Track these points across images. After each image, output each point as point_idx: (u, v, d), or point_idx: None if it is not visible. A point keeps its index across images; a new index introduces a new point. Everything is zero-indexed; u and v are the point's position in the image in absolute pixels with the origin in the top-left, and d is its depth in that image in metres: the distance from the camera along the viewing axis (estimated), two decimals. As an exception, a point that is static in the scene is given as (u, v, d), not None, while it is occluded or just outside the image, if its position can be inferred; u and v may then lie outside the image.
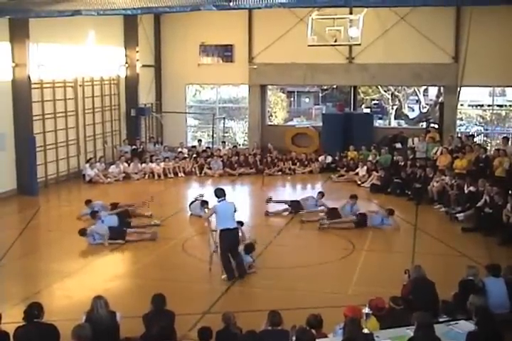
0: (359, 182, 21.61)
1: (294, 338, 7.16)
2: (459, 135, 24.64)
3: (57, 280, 12.14)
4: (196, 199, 17.45)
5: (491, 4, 19.84)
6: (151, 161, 23.36)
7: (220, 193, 12.43)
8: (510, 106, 32.35)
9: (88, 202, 16.74)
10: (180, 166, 23.53)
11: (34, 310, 8.08)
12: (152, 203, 18.55)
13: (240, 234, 13.20)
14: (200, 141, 27.54)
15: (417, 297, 9.27)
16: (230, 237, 12.21)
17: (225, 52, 26.97)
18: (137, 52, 25.60)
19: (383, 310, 8.44)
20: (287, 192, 21.67)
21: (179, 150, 25.14)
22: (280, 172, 23.73)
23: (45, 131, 20.85)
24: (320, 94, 43.60)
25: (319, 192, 18.24)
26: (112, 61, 24.61)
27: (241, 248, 12.50)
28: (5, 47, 18.95)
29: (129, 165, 23.05)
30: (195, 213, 16.93)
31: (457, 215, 16.58)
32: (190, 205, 17.50)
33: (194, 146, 26.18)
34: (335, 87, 38.11)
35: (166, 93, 28.07)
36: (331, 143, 25.21)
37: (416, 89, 36.07)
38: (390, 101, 37.69)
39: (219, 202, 12.35)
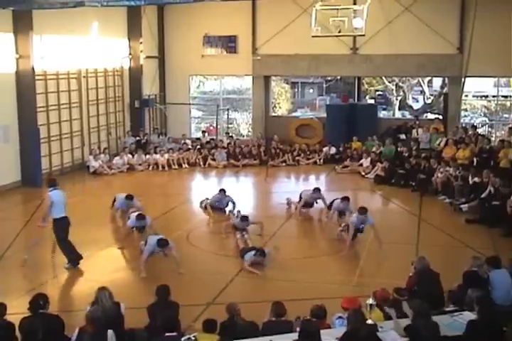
0: (363, 174, 21.59)
1: (297, 329, 7.18)
2: (464, 125, 24.60)
3: (62, 271, 12.18)
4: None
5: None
6: (155, 152, 23.39)
7: (52, 183, 12.70)
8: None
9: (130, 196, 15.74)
10: (184, 157, 23.54)
11: (39, 301, 8.12)
12: (157, 194, 18.63)
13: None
14: (204, 132, 27.53)
15: (422, 288, 9.28)
16: (67, 225, 12.52)
17: (229, 43, 26.93)
18: (141, 43, 25.55)
19: (388, 301, 8.47)
20: (291, 183, 21.70)
21: (183, 141, 25.14)
22: (284, 164, 23.72)
23: (49, 122, 20.88)
24: (324, 85, 43.47)
25: (345, 197, 15.38)
26: (116, 52, 24.57)
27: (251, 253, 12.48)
28: (8, 38, 18.93)
29: (133, 156, 23.08)
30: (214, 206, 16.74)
31: (461, 206, 16.58)
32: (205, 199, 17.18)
33: (198, 138, 26.18)
34: (339, 77, 37.98)
35: (170, 84, 28.04)
36: (335, 134, 25.19)
37: (420, 80, 35.93)
38: (394, 92, 37.58)
39: (51, 191, 12.47)
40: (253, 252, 12.36)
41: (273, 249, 12.89)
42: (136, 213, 14.01)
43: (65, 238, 12.43)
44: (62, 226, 12.42)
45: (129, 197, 15.47)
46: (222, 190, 16.61)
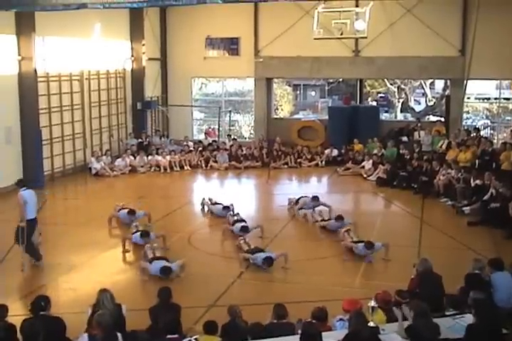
0: (365, 176, 21.57)
1: (299, 331, 7.17)
2: (466, 128, 24.59)
3: (63, 273, 12.18)
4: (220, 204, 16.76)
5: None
6: (157, 154, 23.38)
7: (23, 183, 12.80)
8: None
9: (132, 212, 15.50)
10: (186, 159, 23.53)
11: (41, 303, 8.11)
12: (159, 196, 18.65)
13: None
14: (206, 134, 27.53)
15: (424, 290, 9.26)
16: (34, 227, 12.59)
17: (231, 46, 26.94)
18: (143, 45, 25.58)
19: (390, 304, 8.46)
20: (293, 185, 21.69)
21: (185, 143, 25.16)
22: (286, 166, 23.71)
23: (51, 124, 20.88)
24: (326, 87, 43.50)
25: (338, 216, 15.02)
26: (118, 54, 24.60)
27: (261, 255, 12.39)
28: (11, 40, 18.96)
29: (135, 158, 23.08)
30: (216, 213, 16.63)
31: (463, 209, 16.56)
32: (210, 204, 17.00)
33: (200, 141, 26.17)
34: (341, 80, 37.99)
35: (172, 86, 28.05)
36: (337, 136, 25.17)
37: (422, 82, 35.94)
38: (396, 94, 37.56)
39: (23, 190, 12.50)
40: (263, 256, 12.28)
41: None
42: (140, 231, 13.74)
43: (30, 239, 12.46)
44: (30, 227, 12.43)
45: (131, 212, 15.31)
46: (227, 207, 16.27)
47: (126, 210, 15.45)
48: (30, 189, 12.80)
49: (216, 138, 26.87)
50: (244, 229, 14.20)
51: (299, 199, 16.70)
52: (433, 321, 7.31)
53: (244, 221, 14.84)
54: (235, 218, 15.22)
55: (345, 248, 13.28)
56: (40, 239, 12.75)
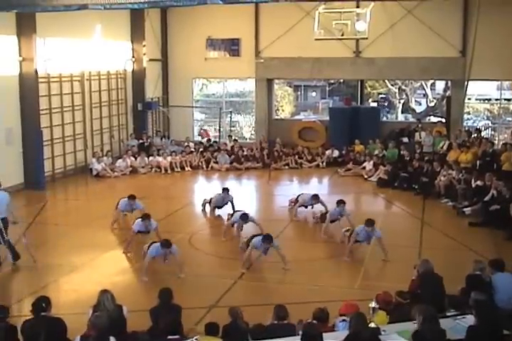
0: (366, 177, 21.59)
1: (300, 332, 7.16)
2: (466, 128, 24.58)
3: (64, 274, 12.17)
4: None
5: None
6: (158, 155, 23.39)
7: None
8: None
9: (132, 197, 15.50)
10: (187, 160, 23.54)
11: (42, 304, 8.09)
12: (159, 197, 18.66)
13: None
14: (200, 135, 27.53)
15: (425, 291, 9.26)
16: (5, 227, 12.53)
17: (232, 46, 26.93)
18: (144, 46, 25.59)
19: (391, 304, 8.45)
20: (294, 186, 21.69)
21: (186, 144, 25.17)
22: (287, 167, 23.72)
23: (52, 125, 20.89)
24: (327, 88, 43.50)
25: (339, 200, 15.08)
26: (119, 55, 24.60)
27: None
28: (12, 41, 18.96)
29: (135, 159, 23.09)
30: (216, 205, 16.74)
31: (464, 210, 16.55)
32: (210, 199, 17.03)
33: (201, 142, 26.18)
34: (342, 81, 37.99)
35: (173, 87, 28.05)
36: (337, 137, 25.18)
37: (423, 83, 35.93)
38: (397, 95, 37.55)
39: None
40: (261, 237, 12.32)
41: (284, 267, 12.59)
42: (141, 216, 13.67)
43: None
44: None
45: (132, 197, 15.28)
46: (226, 189, 16.51)
47: (126, 198, 15.33)
48: (3, 191, 12.85)
49: (216, 139, 26.87)
50: (244, 217, 14.20)
51: (298, 196, 16.76)
52: (440, 326, 7.24)
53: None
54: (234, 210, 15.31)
55: (346, 244, 13.32)
56: (24, 240, 12.70)
